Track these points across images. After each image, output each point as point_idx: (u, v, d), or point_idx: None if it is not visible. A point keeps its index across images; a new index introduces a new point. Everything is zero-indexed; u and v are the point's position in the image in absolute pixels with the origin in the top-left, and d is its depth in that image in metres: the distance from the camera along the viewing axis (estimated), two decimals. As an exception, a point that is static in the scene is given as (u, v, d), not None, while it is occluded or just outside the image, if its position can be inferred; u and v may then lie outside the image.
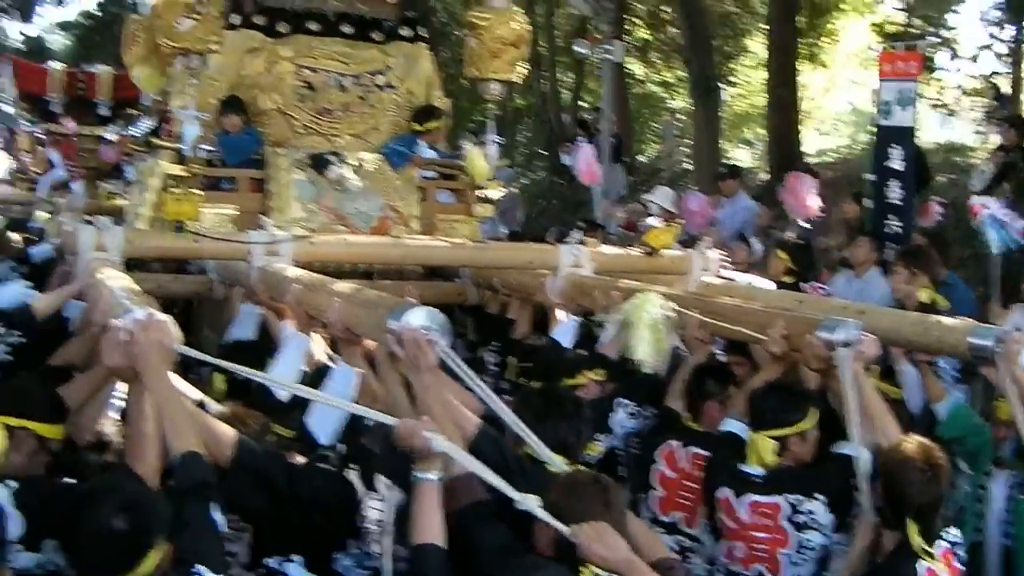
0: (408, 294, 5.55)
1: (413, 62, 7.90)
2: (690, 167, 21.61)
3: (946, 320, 4.70)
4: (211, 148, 6.91)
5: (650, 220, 11.09)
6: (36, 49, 32.84)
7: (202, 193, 6.20)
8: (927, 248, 7.57)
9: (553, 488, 3.45)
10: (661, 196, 11.87)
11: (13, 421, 3.71)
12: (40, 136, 15.03)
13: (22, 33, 35.95)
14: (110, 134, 13.66)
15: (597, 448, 4.99)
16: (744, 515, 4.31)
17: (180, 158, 6.71)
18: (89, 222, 5.97)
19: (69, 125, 13.55)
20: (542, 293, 6.27)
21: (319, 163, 7.11)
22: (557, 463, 3.83)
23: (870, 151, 9.98)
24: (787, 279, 7.87)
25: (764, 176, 18.89)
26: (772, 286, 6.96)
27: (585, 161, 13.35)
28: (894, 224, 9.09)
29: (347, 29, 7.73)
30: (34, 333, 4.96)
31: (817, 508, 4.21)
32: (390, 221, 7.22)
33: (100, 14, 32.40)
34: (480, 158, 7.61)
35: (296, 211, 7.04)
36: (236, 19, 7.44)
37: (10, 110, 17.03)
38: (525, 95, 26.34)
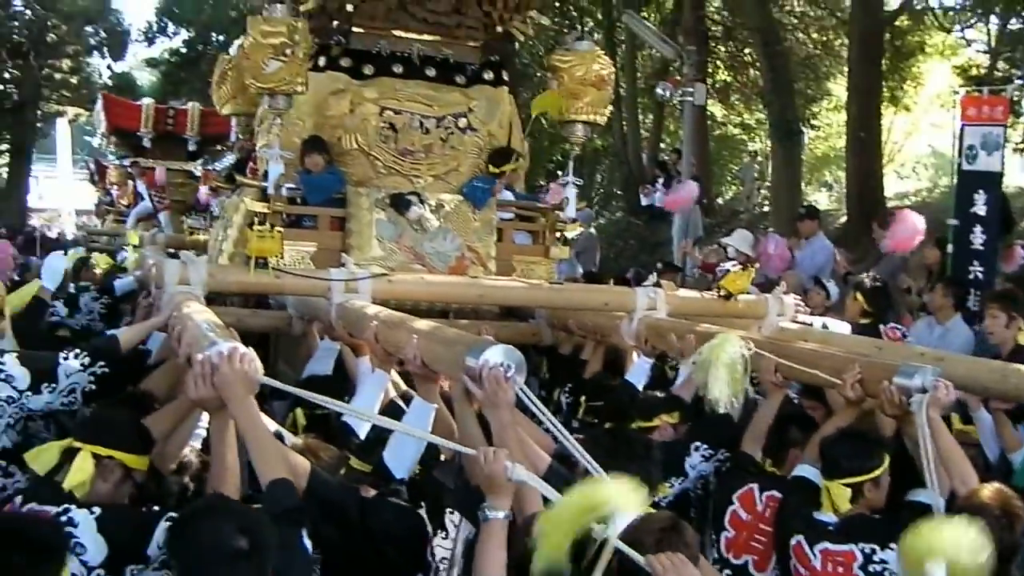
0: (484, 333, 5.60)
1: (495, 105, 7.92)
2: (769, 209, 21.51)
3: (1024, 368, 4.66)
4: (294, 186, 7.03)
5: (728, 264, 11.06)
6: (125, 85, 33.77)
7: (283, 230, 6.28)
8: (1019, 292, 7.48)
9: (628, 526, 3.46)
10: (739, 239, 11.82)
11: (101, 451, 3.81)
12: (129, 170, 15.41)
13: (110, 68, 37.04)
14: (195, 169, 14.00)
15: (666, 490, 4.99)
16: (817, 563, 4.27)
17: (263, 195, 6.83)
18: (173, 255, 6.08)
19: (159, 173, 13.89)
20: (617, 335, 6.27)
21: (400, 203, 7.16)
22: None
23: (951, 195, 9.88)
24: (864, 321, 7.80)
25: (843, 219, 18.72)
26: (847, 328, 6.92)
27: (685, 192, 13.40)
28: (977, 270, 8.99)
29: (431, 72, 7.77)
30: (118, 364, 5.06)
31: (891, 557, 4.14)
32: (467, 261, 7.27)
33: (186, 51, 33.18)
34: (561, 99, 7.55)
35: (376, 250, 7.10)
36: (322, 61, 7.53)
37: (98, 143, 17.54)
38: (604, 136, 26.41)
